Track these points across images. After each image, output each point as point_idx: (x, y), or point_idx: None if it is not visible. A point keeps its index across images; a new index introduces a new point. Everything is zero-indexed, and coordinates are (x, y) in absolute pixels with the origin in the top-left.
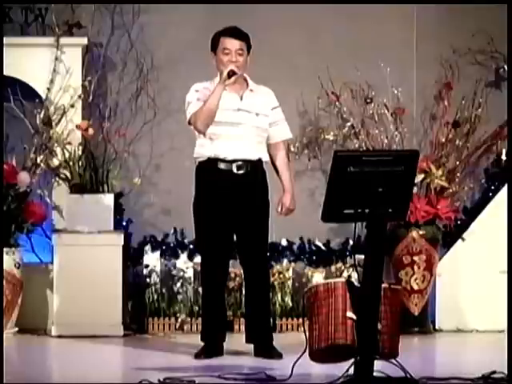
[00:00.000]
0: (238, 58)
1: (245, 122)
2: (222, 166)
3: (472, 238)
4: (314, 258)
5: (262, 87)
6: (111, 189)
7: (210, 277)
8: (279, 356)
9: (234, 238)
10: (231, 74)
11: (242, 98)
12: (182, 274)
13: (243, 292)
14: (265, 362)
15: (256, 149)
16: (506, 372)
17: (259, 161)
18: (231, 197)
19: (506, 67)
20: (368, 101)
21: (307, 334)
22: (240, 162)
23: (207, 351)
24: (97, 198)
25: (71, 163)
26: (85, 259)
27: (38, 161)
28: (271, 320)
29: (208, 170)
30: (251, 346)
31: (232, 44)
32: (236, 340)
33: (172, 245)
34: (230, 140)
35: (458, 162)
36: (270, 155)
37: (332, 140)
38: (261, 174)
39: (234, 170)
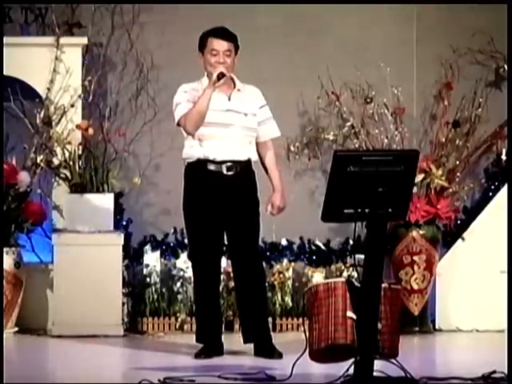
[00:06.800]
0: (226, 60)
1: (234, 123)
2: (211, 167)
3: (472, 238)
4: (314, 257)
5: (249, 86)
6: (111, 189)
7: (203, 278)
8: (279, 356)
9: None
10: (220, 76)
11: (230, 99)
12: (181, 273)
13: None
14: (265, 361)
15: (245, 149)
16: (506, 372)
17: (248, 161)
18: (221, 198)
19: (506, 67)
20: (368, 101)
21: (307, 333)
22: (230, 163)
23: (207, 351)
24: (97, 198)
25: (71, 163)
26: (85, 259)
27: (38, 160)
28: (268, 319)
29: (197, 171)
30: (251, 346)
31: (220, 45)
32: (236, 340)
33: (172, 244)
34: (219, 141)
35: (458, 162)
36: (258, 154)
37: (332, 140)
38: (250, 174)
39: (224, 171)
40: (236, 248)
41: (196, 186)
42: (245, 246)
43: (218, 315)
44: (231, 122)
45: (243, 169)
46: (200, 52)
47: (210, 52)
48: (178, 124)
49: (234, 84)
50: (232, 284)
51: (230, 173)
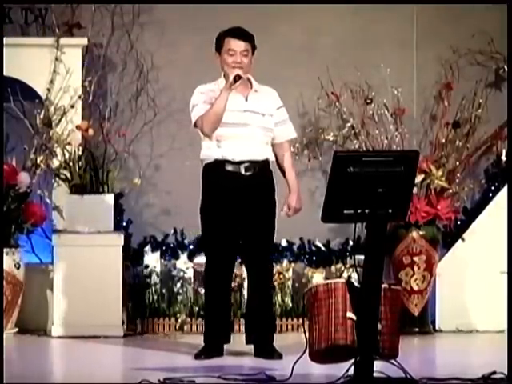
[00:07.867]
0: (243, 60)
1: (251, 123)
2: (229, 167)
3: (472, 238)
4: (314, 258)
5: (266, 87)
6: (111, 189)
7: (215, 278)
8: (279, 356)
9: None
10: (237, 78)
11: (247, 99)
12: (181, 274)
13: (243, 292)
14: (265, 362)
15: (263, 149)
16: (506, 372)
17: (266, 161)
18: (239, 198)
19: (505, 68)
20: (368, 101)
21: (307, 334)
22: (248, 164)
23: (207, 351)
24: (97, 199)
25: (71, 164)
26: (85, 259)
27: (38, 161)
28: (273, 321)
29: (215, 171)
30: (251, 347)
31: (237, 45)
32: (236, 340)
33: (172, 245)
34: (237, 141)
35: (458, 163)
36: (275, 155)
37: (332, 140)
38: (268, 175)
39: (242, 172)
40: (249, 248)
41: (214, 187)
42: (258, 247)
43: (227, 318)
44: (249, 122)
45: (261, 169)
46: (217, 52)
47: (226, 52)
48: (195, 125)
49: (251, 84)
50: (232, 285)
51: (248, 173)
